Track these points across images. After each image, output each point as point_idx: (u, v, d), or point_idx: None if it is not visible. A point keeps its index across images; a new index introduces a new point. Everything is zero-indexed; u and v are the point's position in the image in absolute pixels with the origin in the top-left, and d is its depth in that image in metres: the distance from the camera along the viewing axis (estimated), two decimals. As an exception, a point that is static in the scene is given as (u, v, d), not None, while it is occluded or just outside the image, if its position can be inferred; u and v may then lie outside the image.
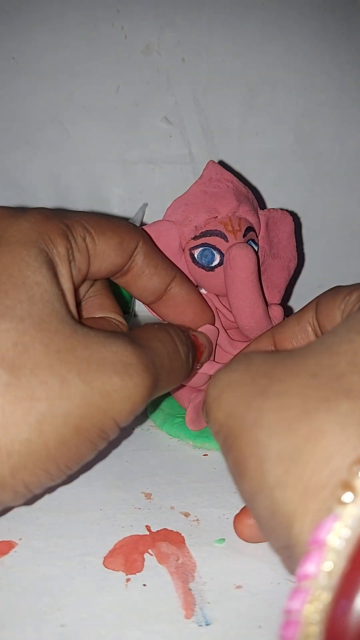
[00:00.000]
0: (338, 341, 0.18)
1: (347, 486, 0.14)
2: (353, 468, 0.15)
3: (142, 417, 0.34)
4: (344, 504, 0.14)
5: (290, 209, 0.36)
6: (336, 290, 0.23)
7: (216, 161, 0.33)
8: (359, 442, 0.15)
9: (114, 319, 0.28)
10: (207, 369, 0.30)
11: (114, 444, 0.31)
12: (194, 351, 0.27)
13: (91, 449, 0.21)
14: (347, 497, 0.14)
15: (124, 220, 0.27)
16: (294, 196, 0.51)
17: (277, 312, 0.32)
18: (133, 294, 0.29)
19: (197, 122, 0.49)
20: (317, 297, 0.24)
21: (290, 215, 0.35)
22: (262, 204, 0.50)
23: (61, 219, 0.24)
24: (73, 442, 0.20)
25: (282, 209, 0.35)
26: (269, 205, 0.50)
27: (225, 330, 0.32)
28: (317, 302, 0.24)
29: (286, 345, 0.25)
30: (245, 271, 0.29)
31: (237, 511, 0.26)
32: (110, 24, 0.46)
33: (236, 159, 0.49)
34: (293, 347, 0.25)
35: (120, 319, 0.28)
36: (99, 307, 0.28)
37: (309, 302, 0.24)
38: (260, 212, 0.33)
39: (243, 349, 0.28)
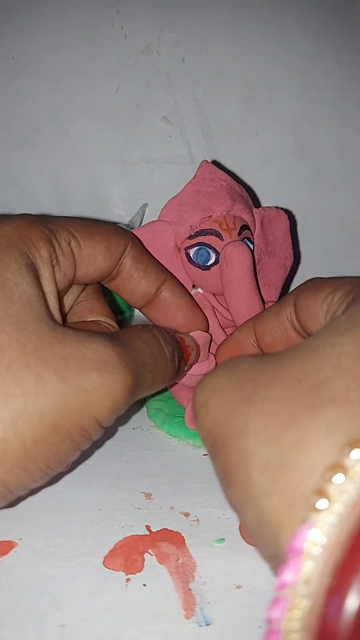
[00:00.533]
0: (322, 344, 0.18)
1: (321, 493, 0.14)
2: (326, 474, 0.15)
3: (142, 418, 0.34)
4: (319, 511, 0.14)
5: (290, 209, 0.36)
6: (316, 286, 0.22)
7: (216, 161, 0.33)
8: (342, 450, 0.15)
9: (104, 322, 0.28)
10: (204, 368, 0.30)
11: (113, 444, 0.31)
12: (180, 352, 0.27)
13: (73, 448, 0.21)
14: (322, 504, 0.14)
15: (112, 224, 0.27)
16: (294, 196, 0.51)
17: None
18: (123, 297, 0.29)
19: (197, 122, 0.49)
20: (295, 290, 0.23)
21: (285, 213, 0.35)
22: (260, 204, 0.50)
23: (45, 224, 0.24)
24: (52, 440, 0.20)
25: (276, 207, 0.35)
26: (269, 205, 0.50)
27: (223, 329, 0.32)
28: (296, 298, 0.23)
29: (266, 339, 0.25)
30: (241, 269, 0.29)
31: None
32: (110, 24, 0.46)
33: (236, 159, 0.49)
34: (273, 341, 0.25)
35: (112, 322, 0.28)
36: (89, 311, 0.28)
37: (287, 296, 0.24)
38: (255, 210, 0.33)
39: (225, 339, 0.28)
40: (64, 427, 0.20)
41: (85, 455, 0.30)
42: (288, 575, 0.14)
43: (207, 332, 0.31)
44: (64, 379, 0.20)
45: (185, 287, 0.30)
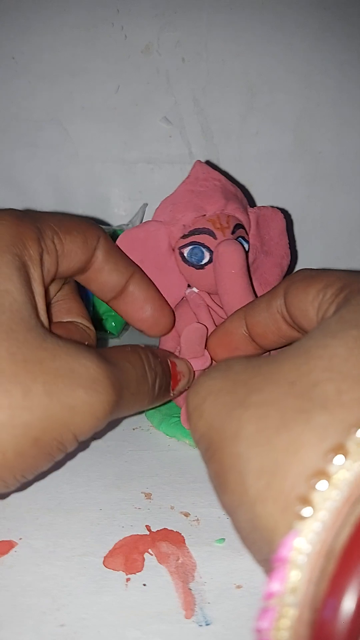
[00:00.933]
0: (314, 345, 0.18)
1: (305, 501, 0.14)
2: (310, 481, 0.15)
3: (141, 418, 0.34)
4: (304, 518, 0.14)
5: (289, 208, 0.36)
6: (306, 281, 0.22)
7: (210, 161, 0.33)
8: (325, 456, 0.15)
9: (81, 323, 0.28)
10: (199, 364, 0.30)
11: (113, 444, 0.31)
12: (167, 379, 0.27)
13: (48, 460, 0.21)
14: (306, 511, 0.14)
15: (84, 217, 0.28)
16: (293, 196, 0.51)
17: None
18: (93, 290, 0.28)
19: (197, 122, 0.49)
20: (286, 282, 0.23)
21: (281, 212, 0.35)
22: (255, 203, 0.50)
23: (33, 222, 0.24)
24: (31, 453, 0.20)
25: (272, 207, 0.35)
26: (268, 204, 0.49)
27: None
28: (286, 291, 0.23)
29: (257, 330, 0.25)
30: (234, 267, 0.29)
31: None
32: (110, 24, 0.46)
33: (236, 159, 0.49)
34: (264, 332, 0.25)
35: (88, 323, 0.28)
36: (66, 311, 0.28)
37: (277, 286, 0.24)
38: (250, 209, 0.33)
39: (215, 329, 0.28)
40: (44, 441, 0.20)
41: (86, 455, 0.30)
42: (275, 585, 0.14)
43: (202, 325, 0.31)
44: (50, 393, 0.20)
45: (152, 282, 0.30)
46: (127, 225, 0.48)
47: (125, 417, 0.33)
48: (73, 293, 0.29)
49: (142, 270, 0.30)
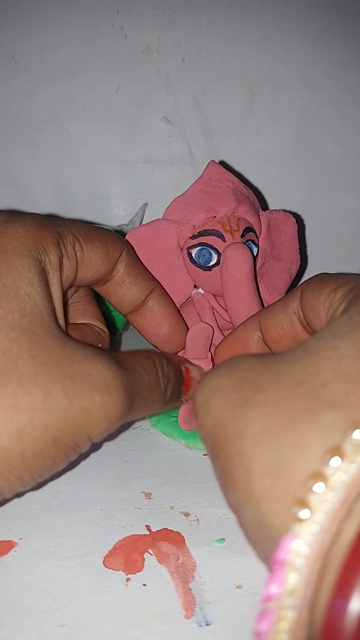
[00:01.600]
0: (324, 347, 0.18)
1: (303, 503, 0.14)
2: (307, 483, 0.15)
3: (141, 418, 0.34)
4: (302, 521, 0.14)
5: (290, 209, 0.36)
6: (322, 281, 0.22)
7: (216, 161, 0.33)
8: (322, 458, 0.15)
9: (95, 326, 0.29)
10: (202, 366, 0.30)
11: (113, 444, 0.31)
12: (180, 385, 0.27)
13: (64, 460, 0.21)
14: (304, 514, 0.14)
15: (110, 230, 0.28)
16: (294, 196, 0.51)
17: None
18: (112, 302, 0.29)
19: (197, 122, 0.49)
20: (303, 284, 0.24)
21: (294, 217, 0.35)
22: (264, 205, 0.50)
23: (54, 227, 0.24)
24: (49, 454, 0.20)
25: (284, 211, 0.34)
26: (270, 205, 0.50)
27: (222, 331, 0.31)
28: (302, 291, 0.23)
29: (272, 334, 0.25)
30: (241, 271, 0.29)
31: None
32: (110, 24, 0.46)
33: (236, 159, 0.49)
34: (279, 336, 0.25)
35: (102, 326, 0.29)
36: (81, 313, 0.29)
37: (295, 289, 0.24)
38: (261, 213, 0.33)
39: (227, 336, 0.28)
40: (62, 442, 0.20)
41: (85, 455, 0.30)
42: (273, 588, 0.14)
43: (208, 326, 0.31)
44: (69, 397, 0.20)
45: (171, 298, 0.30)
46: (127, 225, 0.48)
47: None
48: (88, 295, 0.29)
49: (162, 287, 0.30)
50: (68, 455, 0.21)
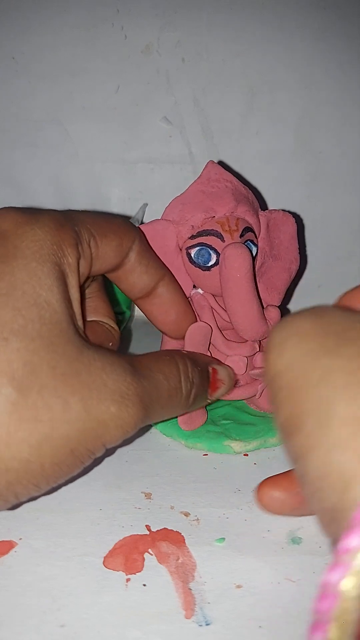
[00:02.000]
0: None
1: None
2: None
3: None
4: None
5: (290, 209, 0.36)
6: None
7: (216, 161, 0.33)
8: None
9: (107, 323, 0.29)
10: None
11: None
12: (205, 387, 0.27)
13: (79, 467, 0.22)
14: None
15: (121, 217, 0.28)
16: (294, 196, 0.51)
17: (273, 314, 0.31)
18: (122, 288, 0.29)
19: (197, 122, 0.49)
20: None
21: (293, 217, 0.35)
22: (263, 205, 0.50)
23: (72, 226, 0.24)
24: (66, 463, 0.21)
25: (284, 210, 0.34)
26: (269, 205, 0.50)
27: (221, 331, 0.31)
28: None
29: None
30: (240, 271, 0.29)
31: (238, 510, 0.26)
32: (110, 24, 0.46)
33: (236, 159, 0.49)
34: None
35: (113, 324, 0.29)
36: (93, 310, 0.29)
37: None
38: (261, 213, 0.33)
39: (341, 296, 0.27)
40: (79, 451, 0.21)
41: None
42: (353, 541, 0.14)
43: (206, 324, 0.31)
44: (87, 408, 0.21)
45: (180, 286, 0.31)
46: (127, 225, 0.48)
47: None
48: (100, 291, 0.29)
49: (172, 275, 0.30)
50: (83, 462, 0.22)
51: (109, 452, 0.30)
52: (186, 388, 0.26)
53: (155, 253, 0.29)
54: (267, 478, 0.25)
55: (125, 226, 0.27)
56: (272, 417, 0.33)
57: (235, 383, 0.32)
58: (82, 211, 0.26)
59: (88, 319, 0.28)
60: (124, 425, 0.22)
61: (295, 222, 0.35)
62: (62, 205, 0.51)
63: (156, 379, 0.24)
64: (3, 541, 0.24)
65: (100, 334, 0.28)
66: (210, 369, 0.28)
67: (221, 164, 0.33)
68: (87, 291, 0.28)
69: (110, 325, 0.29)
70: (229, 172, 0.33)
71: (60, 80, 0.48)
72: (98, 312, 0.29)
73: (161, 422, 0.33)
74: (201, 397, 0.27)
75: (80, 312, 0.24)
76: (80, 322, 0.23)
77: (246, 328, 0.30)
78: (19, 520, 0.25)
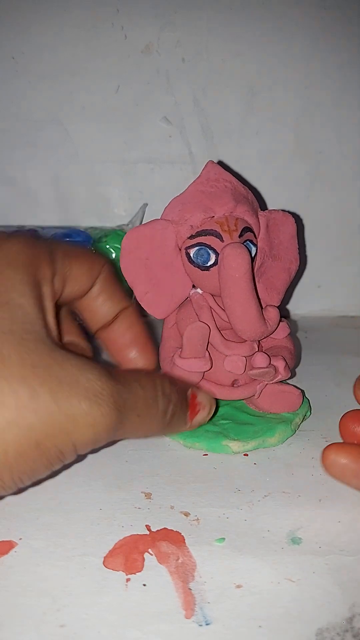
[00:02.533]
0: None
1: None
2: None
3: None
4: None
5: (290, 209, 0.36)
6: None
7: (216, 161, 0.33)
8: None
9: (78, 343, 0.29)
10: (199, 366, 0.30)
11: (113, 445, 0.31)
12: (184, 408, 0.27)
13: (46, 467, 0.21)
14: None
15: (90, 250, 0.29)
16: (294, 196, 0.51)
17: (272, 314, 0.31)
18: (85, 316, 0.29)
19: (197, 122, 0.49)
20: None
21: (292, 216, 0.35)
22: (263, 205, 0.50)
23: (46, 246, 0.25)
24: (31, 456, 0.20)
25: (283, 210, 0.34)
26: (269, 205, 0.50)
27: (219, 331, 0.31)
28: None
29: None
30: (238, 271, 0.29)
31: (238, 510, 0.26)
32: (110, 23, 0.46)
33: (236, 159, 0.49)
34: None
35: (85, 344, 0.29)
36: (65, 331, 0.29)
37: None
38: (260, 213, 0.33)
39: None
40: (45, 446, 0.20)
41: (85, 455, 0.30)
42: None
43: (204, 324, 0.31)
44: (56, 400, 0.20)
45: (143, 319, 0.30)
46: (127, 225, 0.48)
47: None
48: (68, 314, 0.30)
49: (135, 308, 0.30)
50: (51, 462, 0.21)
51: (110, 452, 0.30)
52: (163, 403, 0.25)
53: (121, 284, 0.30)
54: (333, 443, 0.26)
55: (94, 253, 0.28)
56: (270, 417, 0.33)
57: (233, 383, 0.32)
58: (53, 240, 0.27)
59: (61, 341, 0.28)
60: (95, 425, 0.21)
61: (295, 221, 0.35)
62: (62, 205, 0.51)
63: (132, 386, 0.24)
64: (3, 541, 0.24)
65: (73, 351, 0.28)
66: (189, 392, 0.28)
67: (221, 164, 0.33)
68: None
69: (82, 345, 0.29)
70: (229, 172, 0.33)
71: (60, 80, 0.48)
72: (70, 333, 0.29)
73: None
74: (179, 418, 0.27)
75: (55, 323, 0.24)
76: (54, 332, 0.23)
77: (245, 328, 0.30)
78: (19, 521, 0.25)
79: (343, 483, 0.26)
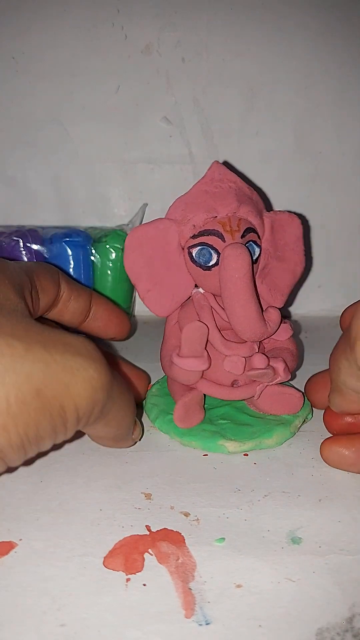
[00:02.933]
0: None
1: None
2: None
3: (141, 418, 0.34)
4: None
5: (289, 209, 0.36)
6: None
7: (227, 162, 0.33)
8: None
9: None
10: (198, 364, 0.30)
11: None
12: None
13: (50, 425, 0.21)
14: None
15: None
16: (294, 196, 0.51)
17: (273, 315, 0.31)
18: (66, 320, 0.31)
19: (197, 122, 0.49)
20: None
21: (298, 218, 0.34)
22: (268, 206, 0.50)
23: (19, 266, 0.27)
24: (34, 405, 0.20)
25: (289, 212, 0.34)
26: (268, 205, 0.50)
27: (219, 331, 0.31)
28: None
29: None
30: (238, 271, 0.29)
31: (238, 510, 0.26)
32: (110, 24, 0.46)
33: (236, 159, 0.49)
34: None
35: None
36: None
37: None
38: (265, 214, 0.33)
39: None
40: (46, 396, 0.20)
41: (86, 455, 0.30)
42: None
43: (202, 324, 0.31)
44: (51, 353, 0.21)
45: (106, 297, 0.35)
46: (127, 225, 0.48)
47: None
48: (52, 324, 0.31)
49: (96, 291, 0.34)
50: (54, 420, 0.21)
51: (110, 452, 0.30)
52: (130, 394, 0.26)
53: (75, 278, 0.33)
54: (330, 437, 0.29)
55: (43, 264, 0.30)
56: (270, 419, 0.33)
57: (233, 383, 0.32)
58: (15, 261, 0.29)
59: None
60: (92, 380, 0.22)
61: (301, 223, 0.35)
62: (62, 205, 0.51)
63: (111, 361, 0.25)
64: (3, 542, 0.24)
65: None
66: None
67: (225, 164, 0.33)
68: None
69: None
70: (234, 172, 0.33)
71: (60, 80, 0.48)
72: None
73: (159, 419, 0.32)
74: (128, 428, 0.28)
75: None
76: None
77: (244, 329, 0.30)
78: (19, 521, 0.25)
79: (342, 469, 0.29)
